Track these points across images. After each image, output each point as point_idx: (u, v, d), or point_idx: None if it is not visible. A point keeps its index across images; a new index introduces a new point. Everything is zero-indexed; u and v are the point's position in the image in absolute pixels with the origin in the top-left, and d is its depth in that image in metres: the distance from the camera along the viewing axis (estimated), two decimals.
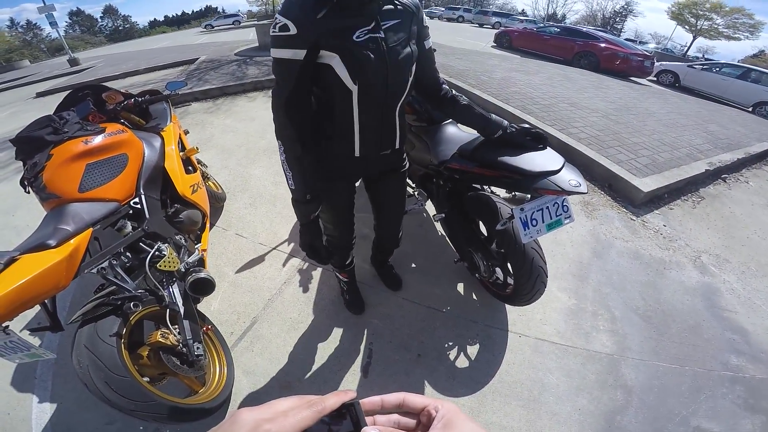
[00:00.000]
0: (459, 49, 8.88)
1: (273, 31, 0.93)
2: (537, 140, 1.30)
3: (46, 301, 1.15)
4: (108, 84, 2.18)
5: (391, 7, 1.02)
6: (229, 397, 1.46)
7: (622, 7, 45.20)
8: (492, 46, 11.42)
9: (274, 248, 2.22)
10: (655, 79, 10.23)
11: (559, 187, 1.16)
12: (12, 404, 1.56)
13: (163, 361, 1.25)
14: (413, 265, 2.06)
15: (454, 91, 1.28)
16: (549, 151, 1.28)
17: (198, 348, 1.33)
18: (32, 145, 1.42)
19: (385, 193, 1.42)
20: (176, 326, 1.33)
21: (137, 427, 1.43)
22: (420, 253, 2.13)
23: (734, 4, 27.93)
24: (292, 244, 2.23)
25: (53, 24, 14.54)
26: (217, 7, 56.31)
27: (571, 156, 3.17)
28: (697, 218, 2.74)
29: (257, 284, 1.99)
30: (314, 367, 1.61)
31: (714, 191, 3.14)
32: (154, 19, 56.68)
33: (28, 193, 1.43)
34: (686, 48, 32.73)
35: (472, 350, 1.67)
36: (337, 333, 1.74)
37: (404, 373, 1.58)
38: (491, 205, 1.46)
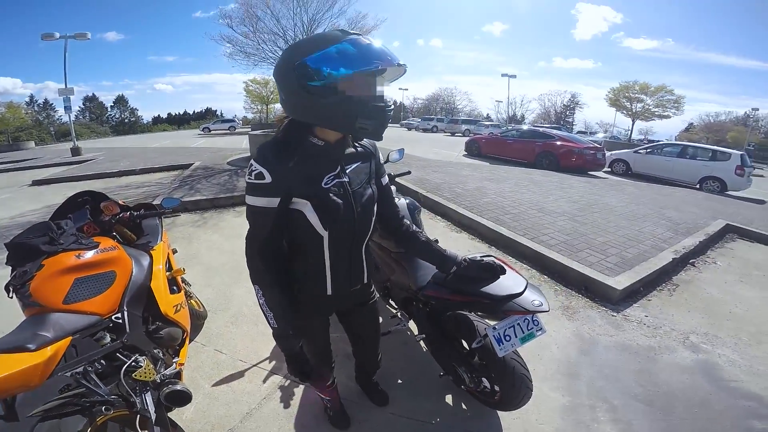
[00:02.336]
0: (434, 161, 9.89)
1: (249, 179, 1.03)
2: (489, 270, 1.41)
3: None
4: (105, 179, 2.35)
5: (353, 150, 1.16)
6: None
7: (570, 100, 53.19)
8: (464, 155, 12.73)
9: (255, 365, 2.24)
10: (609, 169, 11.24)
11: (523, 308, 1.37)
12: None
13: None
14: (399, 381, 2.11)
15: (413, 227, 1.39)
16: (511, 274, 1.50)
17: None
18: (26, 253, 1.48)
19: (358, 324, 1.53)
20: (145, 431, 1.31)
21: None
22: (405, 369, 2.20)
23: (657, 83, 33.01)
24: (273, 362, 2.25)
25: (68, 108, 15.67)
26: (216, 110, 61.53)
27: (545, 263, 3.49)
28: (676, 304, 2.97)
29: (235, 398, 1.98)
30: None
31: (686, 277, 3.45)
32: (158, 115, 61.17)
33: (11, 298, 1.44)
34: (629, 132, 37.16)
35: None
36: None
37: None
38: (468, 323, 1.64)
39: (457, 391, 1.99)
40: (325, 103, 0.97)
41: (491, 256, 1.58)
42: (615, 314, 2.83)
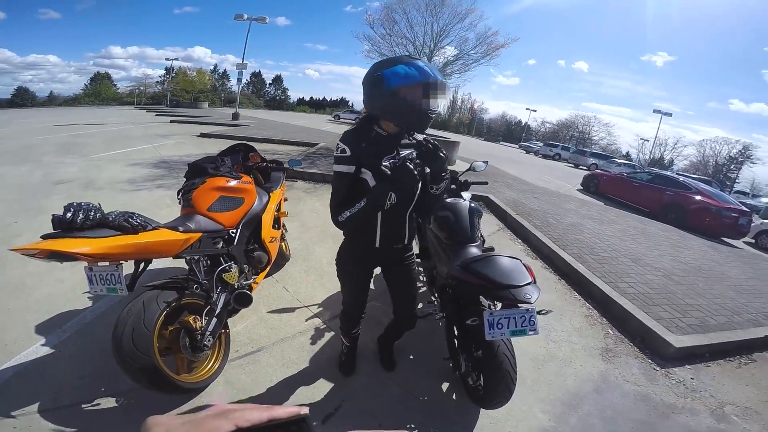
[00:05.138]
0: (541, 188, 9.36)
1: (336, 153, 1.49)
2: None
3: (142, 265, 1.71)
4: (250, 142, 3.16)
5: (407, 140, 1.56)
6: (200, 390, 1.83)
7: (739, 152, 41.43)
8: (578, 189, 11.78)
9: (306, 306, 2.75)
10: (753, 241, 9.22)
11: (513, 296, 1.54)
12: (23, 338, 2.10)
13: (178, 340, 1.71)
14: (411, 357, 2.35)
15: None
16: (523, 272, 1.66)
17: (209, 341, 1.79)
18: (198, 171, 2.20)
19: (396, 278, 1.83)
20: (206, 318, 1.82)
21: (101, 386, 1.81)
22: (421, 349, 2.42)
23: None
24: (321, 309, 2.72)
25: (239, 80, 19.15)
26: (348, 101, 67.72)
27: (608, 307, 3.30)
28: (738, 377, 2.64)
29: (278, 326, 2.48)
30: (282, 401, 1.90)
31: None
32: (302, 98, 70.37)
33: (179, 199, 2.16)
34: None
35: None
36: (320, 383, 2.05)
37: None
38: (474, 305, 1.81)
39: (455, 382, 2.13)
40: (389, 102, 1.42)
41: (517, 258, 1.74)
42: (657, 369, 2.60)
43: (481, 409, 1.96)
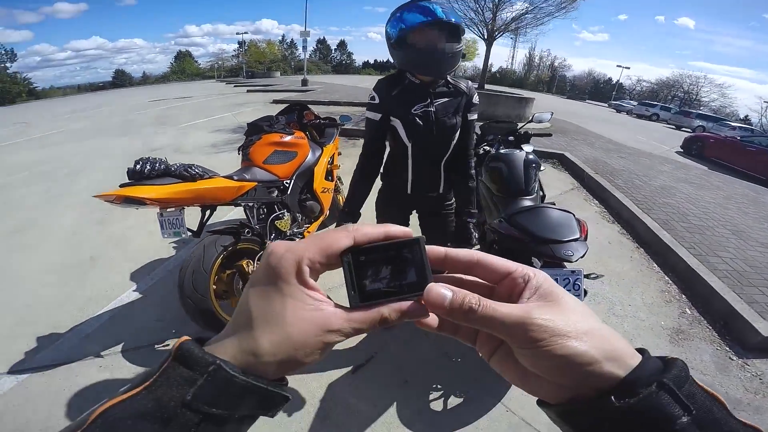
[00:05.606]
0: (631, 148, 8.28)
1: (368, 100, 1.49)
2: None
3: (207, 212, 1.90)
4: (315, 106, 3.26)
5: (445, 88, 1.46)
6: None
7: None
8: (677, 152, 10.18)
9: None
10: None
11: (553, 252, 1.40)
12: (120, 284, 2.47)
13: (233, 285, 1.86)
14: None
15: (472, 172, 1.59)
16: (574, 226, 1.49)
17: None
18: (255, 129, 2.36)
19: (430, 227, 1.78)
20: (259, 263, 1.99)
21: (173, 329, 2.06)
22: None
23: None
24: None
25: (305, 48, 19.72)
26: None
27: (691, 283, 2.89)
28: None
29: (327, 274, 2.56)
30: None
31: None
32: (367, 60, 69.41)
33: (239, 154, 2.33)
34: None
35: (454, 401, 1.78)
36: None
37: (384, 386, 1.81)
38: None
39: None
40: (400, 53, 1.37)
41: (570, 212, 1.58)
42: (734, 358, 2.24)
43: None
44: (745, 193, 5.78)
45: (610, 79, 57.56)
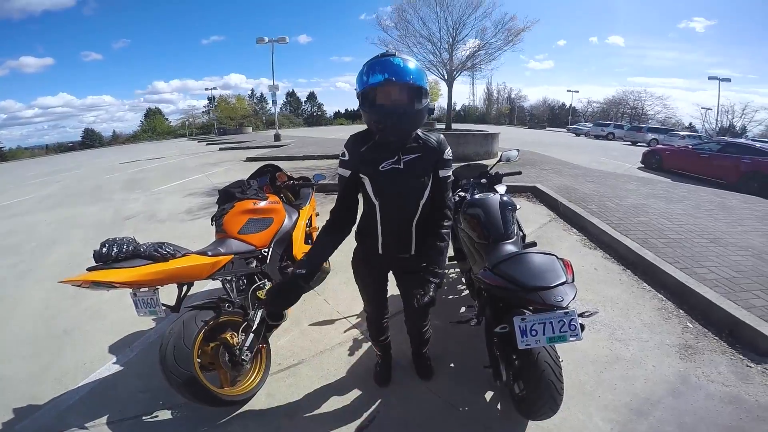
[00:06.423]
0: (595, 170, 8.67)
1: (340, 156, 1.48)
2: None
3: (184, 288, 1.83)
4: (289, 162, 3.25)
5: (415, 144, 1.42)
6: (243, 403, 1.89)
7: None
8: (638, 168, 10.73)
9: (345, 317, 2.72)
10: None
11: (542, 300, 1.37)
12: (98, 357, 2.39)
13: (218, 356, 1.78)
14: (451, 365, 2.21)
15: (444, 231, 1.50)
16: (558, 269, 1.47)
17: (247, 356, 1.83)
18: (227, 197, 2.30)
19: (406, 290, 1.71)
20: (243, 335, 1.88)
21: (159, 400, 1.96)
22: (461, 355, 2.27)
23: None
24: (359, 319, 2.67)
25: (275, 102, 20.21)
26: None
27: (686, 297, 2.90)
28: None
29: (319, 338, 2.49)
30: (319, 412, 1.91)
31: None
32: (338, 111, 71.48)
33: (212, 225, 2.27)
34: None
35: None
36: (355, 393, 2.01)
37: None
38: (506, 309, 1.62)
39: (501, 391, 1.94)
40: (365, 112, 1.34)
41: (553, 254, 1.56)
42: (751, 365, 2.19)
43: (530, 420, 1.77)
44: (711, 200, 6.06)
45: (563, 105, 61.41)
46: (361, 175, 1.46)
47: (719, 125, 35.54)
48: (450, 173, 1.52)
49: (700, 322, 2.66)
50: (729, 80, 25.23)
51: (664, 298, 2.98)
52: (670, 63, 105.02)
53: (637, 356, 2.29)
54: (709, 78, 26.10)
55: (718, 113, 33.97)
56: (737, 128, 40.24)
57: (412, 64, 1.31)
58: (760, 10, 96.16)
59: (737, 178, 8.06)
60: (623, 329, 2.56)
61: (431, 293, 1.39)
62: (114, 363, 2.35)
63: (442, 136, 1.52)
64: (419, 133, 1.46)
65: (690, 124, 45.34)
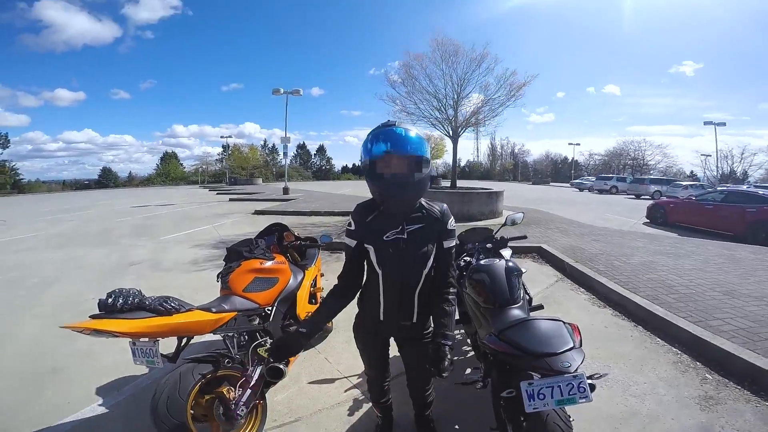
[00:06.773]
0: (601, 228, 8.64)
1: (347, 226, 1.53)
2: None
3: (184, 340, 1.81)
4: (296, 217, 3.33)
5: (419, 214, 1.45)
6: None
7: None
8: (644, 223, 10.71)
9: (345, 377, 2.64)
10: None
11: (549, 366, 1.34)
12: (83, 398, 2.34)
13: (212, 408, 1.73)
14: (456, 427, 2.11)
15: (450, 297, 1.51)
16: (564, 334, 1.45)
17: (242, 411, 1.77)
18: (235, 255, 2.34)
19: (408, 356, 1.69)
20: (240, 390, 1.82)
21: None
22: (467, 419, 2.17)
23: None
24: (360, 380, 2.58)
25: (285, 154, 20.93)
26: None
27: (702, 350, 2.81)
28: None
29: (317, 396, 2.40)
30: None
31: None
32: (346, 165, 73.62)
33: (218, 282, 2.28)
34: None
35: None
36: None
37: None
38: (512, 374, 1.57)
39: None
40: (369, 182, 1.41)
41: (560, 320, 1.54)
42: None
43: None
44: (720, 253, 5.99)
45: (566, 158, 62.82)
46: (365, 245, 1.48)
47: (720, 171, 35.65)
48: (453, 243, 1.54)
49: (719, 372, 2.56)
50: (724, 124, 25.96)
51: (680, 352, 2.88)
52: (665, 110, 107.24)
53: (654, 410, 2.18)
54: (705, 123, 26.83)
55: (717, 159, 34.35)
56: (738, 173, 40.25)
57: (413, 132, 1.37)
58: (742, 51, 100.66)
59: (744, 228, 7.99)
60: (638, 384, 2.45)
61: (449, 356, 1.38)
62: (99, 405, 2.30)
63: (445, 205, 1.54)
64: (423, 202, 1.49)
65: (692, 172, 45.54)
